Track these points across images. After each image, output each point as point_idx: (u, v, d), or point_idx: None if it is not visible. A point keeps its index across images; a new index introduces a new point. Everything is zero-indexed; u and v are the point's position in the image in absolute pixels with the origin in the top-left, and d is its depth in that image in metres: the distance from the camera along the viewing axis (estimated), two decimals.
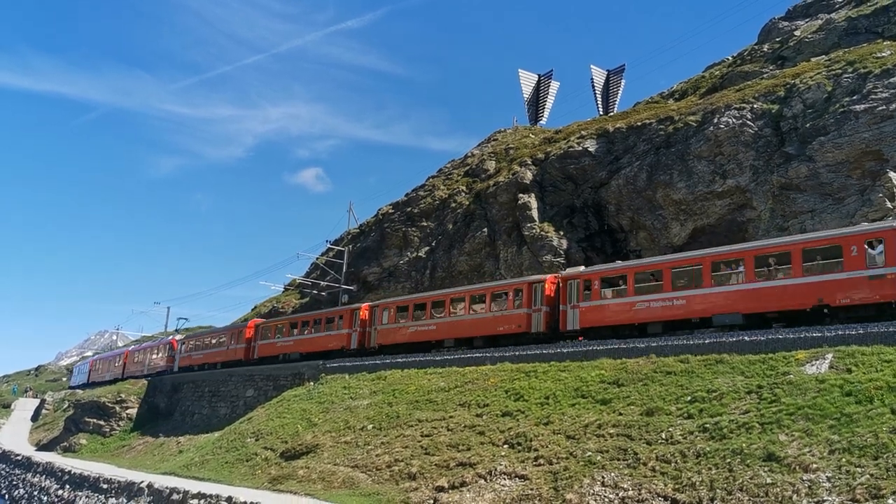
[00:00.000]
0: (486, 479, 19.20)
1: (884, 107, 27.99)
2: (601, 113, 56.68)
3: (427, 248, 47.38)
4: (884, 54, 30.38)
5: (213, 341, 53.76)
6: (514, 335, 30.86)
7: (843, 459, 14.09)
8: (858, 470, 13.66)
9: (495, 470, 19.41)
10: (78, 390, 71.74)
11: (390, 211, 53.03)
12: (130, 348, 72.00)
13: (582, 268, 31.35)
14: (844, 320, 20.82)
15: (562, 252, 38.07)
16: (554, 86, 60.68)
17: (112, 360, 72.20)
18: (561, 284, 29.89)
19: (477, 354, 29.46)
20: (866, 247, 20.96)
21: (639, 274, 27.21)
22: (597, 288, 28.24)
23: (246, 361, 48.04)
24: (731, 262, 24.47)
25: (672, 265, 26.15)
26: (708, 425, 17.23)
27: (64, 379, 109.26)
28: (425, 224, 48.71)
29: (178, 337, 62.29)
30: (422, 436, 23.69)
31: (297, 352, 43.53)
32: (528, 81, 60.79)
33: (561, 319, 29.34)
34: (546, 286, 30.35)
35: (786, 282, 22.51)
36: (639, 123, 39.49)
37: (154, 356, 62.36)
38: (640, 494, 15.86)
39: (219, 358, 51.31)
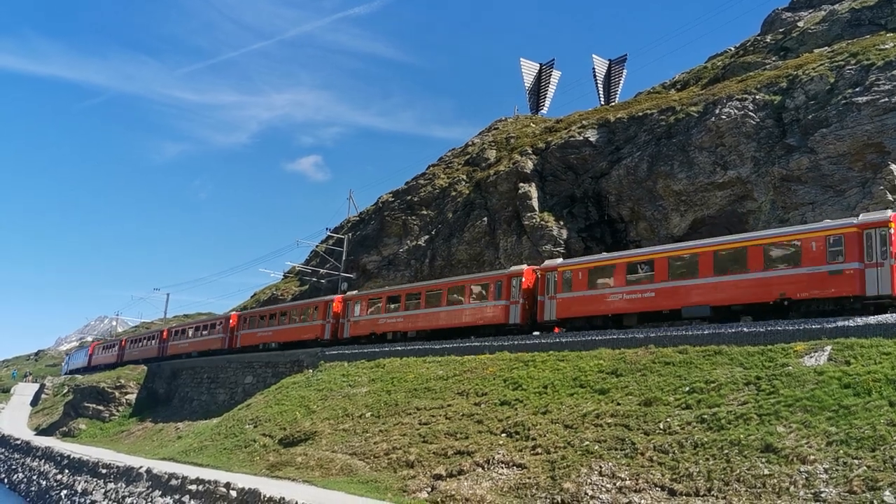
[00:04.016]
0: (483, 468, 19.27)
1: (886, 99, 27.87)
2: (602, 103, 56.44)
3: (427, 237, 47.31)
4: (887, 46, 30.21)
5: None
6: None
7: (841, 451, 14.14)
8: (856, 462, 13.72)
9: (493, 458, 19.48)
10: (78, 375, 72.61)
11: (390, 199, 52.91)
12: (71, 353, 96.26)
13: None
14: None
15: (561, 242, 38.01)
16: (555, 75, 60.30)
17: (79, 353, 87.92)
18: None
19: (476, 343, 29.52)
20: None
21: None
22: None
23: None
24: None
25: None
26: (706, 416, 17.27)
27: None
28: (425, 212, 48.62)
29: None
30: (420, 424, 23.76)
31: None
32: (529, 70, 60.42)
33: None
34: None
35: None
36: (640, 113, 39.34)
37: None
38: (637, 484, 15.92)
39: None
